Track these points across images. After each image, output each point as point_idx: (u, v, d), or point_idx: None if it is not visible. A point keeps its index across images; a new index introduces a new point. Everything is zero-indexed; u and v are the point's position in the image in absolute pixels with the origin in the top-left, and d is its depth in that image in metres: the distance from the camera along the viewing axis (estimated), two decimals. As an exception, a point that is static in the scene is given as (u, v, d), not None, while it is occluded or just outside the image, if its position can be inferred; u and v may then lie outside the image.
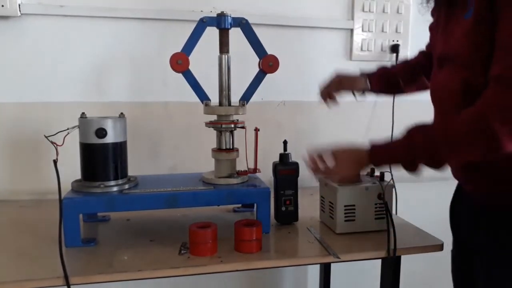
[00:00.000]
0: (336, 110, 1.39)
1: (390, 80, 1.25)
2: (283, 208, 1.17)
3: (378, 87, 1.25)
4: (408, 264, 1.15)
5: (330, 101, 1.24)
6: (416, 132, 0.91)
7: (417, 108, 1.19)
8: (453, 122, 0.85)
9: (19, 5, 1.35)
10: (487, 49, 0.82)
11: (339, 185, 1.11)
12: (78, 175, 1.11)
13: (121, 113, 1.13)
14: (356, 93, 1.26)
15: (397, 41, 1.66)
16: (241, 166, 1.20)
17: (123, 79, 1.49)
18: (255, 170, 1.18)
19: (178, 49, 1.15)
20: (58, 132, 1.01)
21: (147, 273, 0.91)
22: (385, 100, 1.48)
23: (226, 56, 1.19)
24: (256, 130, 1.16)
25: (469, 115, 0.82)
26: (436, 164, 0.90)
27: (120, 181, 1.10)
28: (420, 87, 1.25)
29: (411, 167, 0.92)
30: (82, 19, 1.43)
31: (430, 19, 1.10)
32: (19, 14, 1.36)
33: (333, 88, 1.23)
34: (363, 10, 1.63)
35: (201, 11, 1.46)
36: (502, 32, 0.80)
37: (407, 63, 1.29)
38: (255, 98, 1.22)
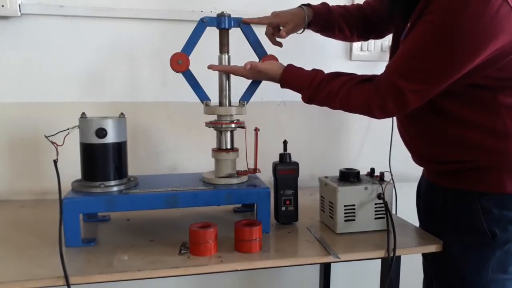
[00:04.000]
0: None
1: (332, 19, 1.24)
2: (283, 208, 1.17)
3: (318, 26, 1.26)
4: (408, 264, 1.15)
5: (274, 37, 1.24)
6: (322, 77, 1.09)
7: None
8: (352, 91, 1.04)
9: (19, 5, 1.35)
10: None
11: (339, 185, 1.11)
12: (78, 175, 1.11)
13: (121, 113, 1.13)
14: (296, 29, 1.24)
15: (397, 41, 1.67)
16: (241, 166, 1.20)
17: (123, 79, 1.49)
18: (255, 170, 1.18)
19: (178, 49, 1.15)
20: (58, 132, 1.01)
21: (147, 273, 0.91)
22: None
23: (226, 56, 1.19)
24: (256, 130, 1.16)
25: (361, 94, 1.03)
26: (324, 106, 1.11)
27: (120, 181, 1.10)
28: (366, 33, 1.31)
29: (307, 100, 1.11)
30: (82, 19, 1.43)
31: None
32: (19, 14, 1.36)
33: (273, 24, 1.22)
34: (363, 10, 1.62)
35: (201, 11, 1.46)
36: (406, 40, 0.97)
37: (346, 8, 1.28)
38: (255, 98, 1.22)
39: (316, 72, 1.11)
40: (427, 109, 1.00)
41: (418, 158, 1.13)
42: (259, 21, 1.22)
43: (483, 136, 0.97)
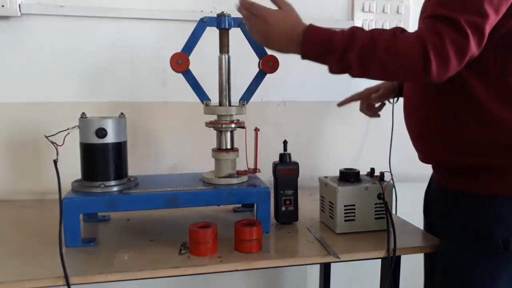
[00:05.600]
0: (336, 110, 1.39)
1: None
2: (283, 208, 1.17)
3: None
4: (408, 264, 1.15)
5: (372, 112, 1.30)
6: (358, 29, 0.90)
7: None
8: (398, 37, 0.86)
9: (19, 5, 1.35)
10: None
11: (339, 185, 1.11)
12: (78, 175, 1.11)
13: (121, 113, 1.13)
14: (390, 101, 1.28)
15: (397, 41, 1.66)
16: (241, 166, 1.20)
17: (123, 79, 1.48)
18: (255, 170, 1.18)
19: (178, 49, 1.15)
20: (58, 132, 1.01)
21: (147, 273, 0.91)
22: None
23: (226, 56, 1.19)
24: (256, 130, 1.16)
25: (411, 36, 0.86)
26: (363, 67, 0.88)
27: (120, 181, 1.10)
28: None
29: (338, 63, 0.89)
30: (82, 19, 1.43)
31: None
32: (19, 14, 1.36)
33: (363, 95, 1.28)
34: (363, 10, 1.63)
35: (201, 11, 1.46)
36: None
37: None
38: (255, 98, 1.22)
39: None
40: (449, 90, 0.92)
41: (427, 154, 1.05)
42: (352, 99, 1.28)
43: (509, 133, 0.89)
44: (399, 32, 0.88)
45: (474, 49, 0.83)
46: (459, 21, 0.81)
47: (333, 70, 0.92)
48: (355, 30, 0.89)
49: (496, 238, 0.91)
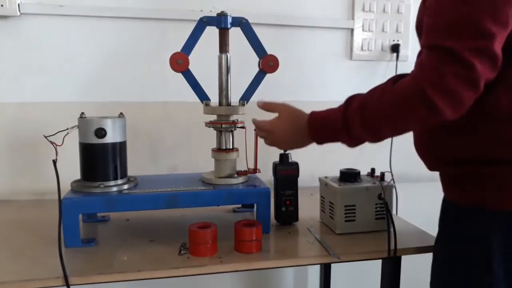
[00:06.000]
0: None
1: None
2: (283, 208, 1.17)
3: None
4: (408, 264, 1.15)
5: None
6: (353, 99, 0.87)
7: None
8: (389, 89, 0.81)
9: (18, 5, 1.35)
10: None
11: (339, 185, 1.11)
12: (77, 175, 1.11)
13: (121, 113, 1.13)
14: None
15: (398, 40, 1.66)
16: (241, 166, 1.20)
17: (123, 79, 1.48)
18: (255, 170, 1.18)
19: (178, 49, 1.14)
20: (58, 132, 1.01)
21: (147, 273, 0.91)
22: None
23: (226, 56, 1.19)
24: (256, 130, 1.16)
25: (404, 82, 0.79)
26: (372, 133, 0.85)
27: (120, 181, 1.10)
28: None
29: (349, 138, 0.88)
30: (82, 19, 1.43)
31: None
32: (18, 14, 1.36)
33: None
34: (363, 9, 1.63)
35: (201, 11, 1.46)
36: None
37: None
38: (255, 98, 1.22)
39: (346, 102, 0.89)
40: None
41: (433, 157, 0.92)
42: None
43: None
44: (391, 83, 0.82)
45: (487, 74, 0.73)
46: (460, 52, 0.71)
47: (352, 146, 0.91)
48: (348, 102, 0.88)
49: (499, 270, 0.81)
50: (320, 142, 0.95)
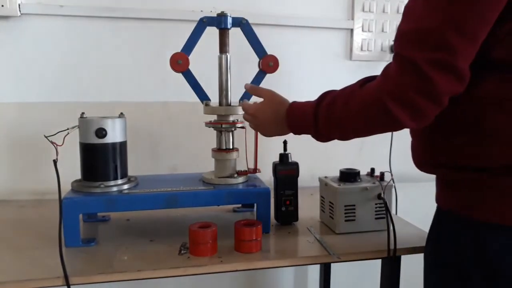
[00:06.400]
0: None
1: None
2: (283, 208, 1.17)
3: None
4: (408, 264, 1.15)
5: None
6: (326, 95, 0.88)
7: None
8: (356, 94, 0.81)
9: (19, 5, 1.35)
10: None
11: (339, 185, 1.11)
12: (78, 175, 1.11)
13: (121, 113, 1.13)
14: None
15: (397, 41, 1.66)
16: (241, 166, 1.20)
17: (123, 79, 1.48)
18: (255, 170, 1.18)
19: (178, 49, 1.15)
20: (58, 132, 1.01)
21: (147, 273, 0.91)
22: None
23: (226, 56, 1.19)
24: (256, 130, 1.16)
25: (369, 89, 0.78)
26: (337, 133, 0.87)
27: (120, 181, 1.10)
28: None
29: (317, 133, 0.89)
30: (82, 19, 1.43)
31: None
32: (19, 14, 1.36)
33: None
34: (363, 10, 1.63)
35: (201, 11, 1.46)
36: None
37: None
38: (255, 98, 1.22)
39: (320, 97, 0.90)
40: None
41: (429, 158, 0.88)
42: None
43: None
44: (358, 87, 0.81)
45: (451, 88, 0.70)
46: (419, 63, 0.69)
47: (321, 141, 0.92)
48: (322, 98, 0.88)
49: (453, 266, 0.81)
50: (295, 132, 0.96)
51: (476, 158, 0.76)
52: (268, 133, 1.05)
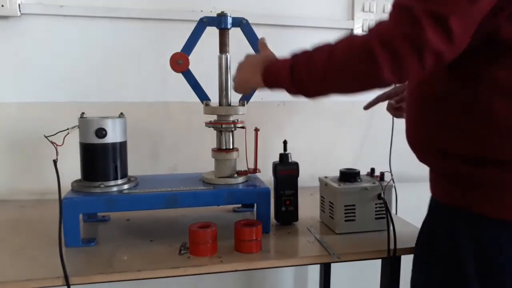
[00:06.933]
0: (336, 110, 1.39)
1: None
2: (283, 208, 1.17)
3: None
4: (408, 264, 1.15)
5: (393, 113, 1.21)
6: (312, 48, 0.83)
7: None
8: (347, 38, 0.78)
9: (19, 5, 1.35)
10: None
11: (339, 185, 1.11)
12: (78, 175, 1.11)
13: (121, 113, 1.13)
14: None
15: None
16: (241, 166, 1.20)
17: (123, 79, 1.48)
18: (255, 170, 1.18)
19: (178, 49, 1.15)
20: (58, 132, 1.01)
21: (147, 273, 0.91)
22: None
23: (226, 56, 1.19)
24: (256, 130, 1.16)
25: (361, 35, 0.76)
26: (313, 77, 0.80)
27: (120, 181, 1.10)
28: None
29: (291, 78, 0.83)
30: (82, 19, 1.43)
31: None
32: (19, 14, 1.36)
33: (395, 98, 1.19)
34: (363, 10, 1.63)
35: (201, 11, 1.46)
36: None
37: None
38: (255, 98, 1.22)
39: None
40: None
41: (421, 145, 0.88)
42: (378, 100, 1.20)
43: None
44: (351, 35, 0.80)
45: (437, 44, 0.67)
46: (415, 11, 0.67)
47: (291, 92, 0.86)
48: (306, 49, 0.84)
49: (446, 258, 0.81)
50: (267, 81, 0.90)
51: (481, 149, 0.75)
52: (241, 83, 0.99)
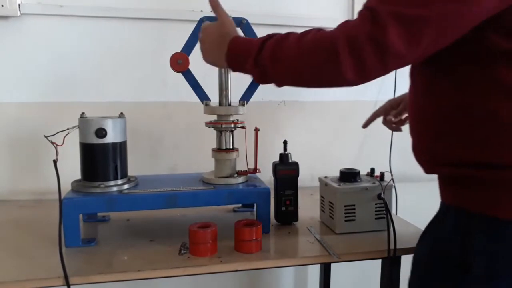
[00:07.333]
0: (336, 110, 1.39)
1: None
2: (283, 208, 1.17)
3: None
4: (408, 264, 1.15)
5: (390, 127, 1.22)
6: (278, 37, 0.82)
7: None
8: (314, 31, 0.77)
9: (19, 5, 1.35)
10: None
11: (339, 185, 1.11)
12: (78, 175, 1.11)
13: (121, 113, 1.13)
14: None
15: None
16: (241, 166, 1.20)
17: (123, 79, 1.48)
18: (255, 170, 1.18)
19: (178, 49, 1.15)
20: (58, 132, 1.01)
21: (147, 273, 0.91)
22: (385, 99, 1.48)
23: (226, 56, 1.19)
24: (256, 130, 1.16)
25: (328, 31, 0.75)
26: (276, 66, 0.80)
27: (120, 181, 1.10)
28: None
29: (255, 63, 0.82)
30: (82, 19, 1.43)
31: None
32: (19, 14, 1.36)
33: (387, 110, 1.21)
34: (363, 10, 1.63)
35: (201, 11, 1.46)
36: None
37: None
38: (255, 98, 1.22)
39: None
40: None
41: (427, 158, 0.87)
42: (375, 116, 1.21)
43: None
44: (316, 29, 0.78)
45: (399, 47, 0.67)
46: (378, 11, 0.67)
47: (254, 76, 0.86)
48: (276, 34, 0.83)
49: (453, 259, 0.79)
50: (230, 62, 0.89)
51: (488, 154, 0.75)
52: (207, 57, 0.98)
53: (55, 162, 0.97)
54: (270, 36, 0.83)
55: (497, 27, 0.70)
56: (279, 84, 0.86)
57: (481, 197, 0.77)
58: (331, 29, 0.75)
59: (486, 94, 0.74)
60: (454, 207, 0.82)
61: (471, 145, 0.77)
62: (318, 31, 0.77)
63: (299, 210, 1.19)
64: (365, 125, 1.24)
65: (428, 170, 0.88)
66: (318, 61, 0.74)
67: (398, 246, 1.01)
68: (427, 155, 0.87)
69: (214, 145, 1.21)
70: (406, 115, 1.18)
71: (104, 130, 1.06)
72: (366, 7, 0.71)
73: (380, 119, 1.26)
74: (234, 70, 0.90)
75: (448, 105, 0.78)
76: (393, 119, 1.21)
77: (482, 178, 0.76)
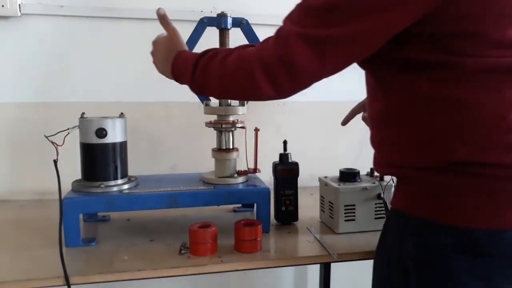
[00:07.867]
0: (336, 110, 1.37)
1: None
2: (283, 208, 1.17)
3: None
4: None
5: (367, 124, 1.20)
6: (215, 49, 0.88)
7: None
8: (236, 52, 0.82)
9: (19, 5, 1.35)
10: None
11: (339, 185, 1.11)
12: (78, 175, 1.11)
13: (121, 113, 1.13)
14: None
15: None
16: (241, 166, 1.20)
17: (123, 79, 1.49)
18: (255, 170, 1.18)
19: (178, 49, 1.15)
20: (58, 132, 1.01)
21: (147, 273, 0.91)
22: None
23: (226, 56, 1.19)
24: (256, 130, 1.16)
25: (248, 52, 0.80)
26: (207, 83, 0.86)
27: (120, 181, 1.10)
28: None
29: (192, 79, 0.87)
30: (82, 19, 1.43)
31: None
32: (19, 14, 1.36)
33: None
34: (363, 10, 1.63)
35: (201, 11, 1.46)
36: None
37: None
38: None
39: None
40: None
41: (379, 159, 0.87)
42: (353, 113, 1.20)
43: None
44: (241, 48, 0.84)
45: (307, 65, 0.72)
46: (288, 32, 0.73)
47: (192, 90, 0.91)
48: (209, 50, 0.88)
49: (395, 264, 0.79)
50: (176, 76, 0.93)
51: (415, 157, 0.75)
52: (158, 69, 1.01)
53: (55, 162, 0.97)
54: (204, 53, 0.87)
55: (412, 38, 0.70)
56: (217, 98, 0.95)
57: (408, 200, 0.78)
58: (253, 48, 0.81)
59: (409, 101, 0.74)
60: (394, 211, 0.82)
61: (399, 149, 0.77)
62: (243, 49, 0.83)
63: (299, 210, 1.19)
64: (344, 123, 1.22)
65: (376, 170, 0.89)
66: (240, 81, 0.80)
67: (398, 246, 1.01)
68: (374, 157, 0.88)
69: (214, 145, 1.22)
70: None
71: (104, 130, 1.06)
72: (278, 30, 0.77)
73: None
74: (181, 83, 0.93)
75: (383, 109, 0.79)
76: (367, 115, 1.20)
77: (410, 180, 0.77)
